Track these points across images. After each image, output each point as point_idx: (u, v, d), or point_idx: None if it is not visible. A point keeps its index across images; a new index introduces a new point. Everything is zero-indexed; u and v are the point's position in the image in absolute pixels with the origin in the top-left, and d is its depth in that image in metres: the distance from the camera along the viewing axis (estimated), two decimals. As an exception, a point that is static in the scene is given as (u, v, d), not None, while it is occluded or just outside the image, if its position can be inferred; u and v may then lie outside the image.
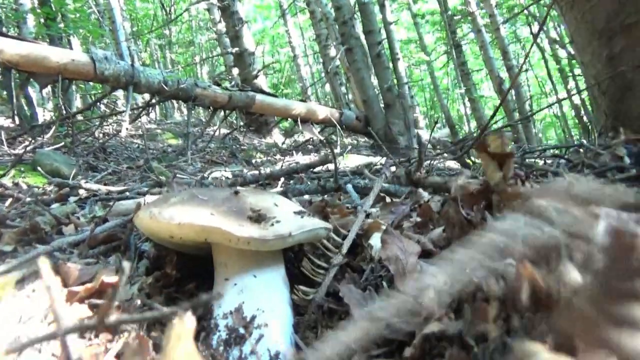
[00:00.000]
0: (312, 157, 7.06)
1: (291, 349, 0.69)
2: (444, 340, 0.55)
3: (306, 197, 1.50)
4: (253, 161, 7.42)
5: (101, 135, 7.92)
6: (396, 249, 0.74)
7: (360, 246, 0.90)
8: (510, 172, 0.79)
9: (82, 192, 2.14)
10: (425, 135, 11.84)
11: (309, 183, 2.05)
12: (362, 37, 9.47)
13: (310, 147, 9.25)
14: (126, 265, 0.67)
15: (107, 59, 5.37)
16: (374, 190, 0.94)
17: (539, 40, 19.83)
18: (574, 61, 15.70)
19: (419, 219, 0.96)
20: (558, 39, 18.81)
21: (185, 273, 0.88)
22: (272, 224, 0.73)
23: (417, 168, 1.30)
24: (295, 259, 0.90)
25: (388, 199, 1.27)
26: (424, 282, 0.64)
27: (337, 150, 8.54)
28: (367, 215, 0.99)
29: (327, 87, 22.14)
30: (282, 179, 2.14)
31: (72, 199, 1.96)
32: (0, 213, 1.29)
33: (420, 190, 1.17)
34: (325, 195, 1.49)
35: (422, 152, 1.33)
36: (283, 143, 9.20)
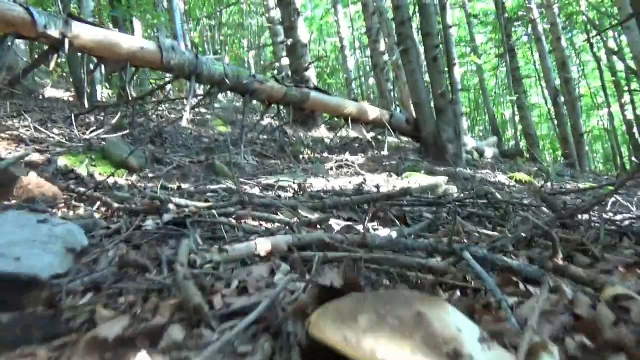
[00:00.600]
0: (380, 175, 7.03)
1: None
2: None
3: (416, 260, 1.47)
4: (300, 157, 7.44)
5: (155, 117, 8.09)
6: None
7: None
8: None
9: (171, 206, 2.17)
10: (471, 142, 11.60)
11: (404, 231, 2.02)
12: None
13: (356, 146, 9.20)
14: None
15: (174, 49, 5.43)
16: (536, 311, 0.90)
17: (595, 49, 19.03)
18: (632, 75, 15.04)
19: (584, 338, 0.91)
20: (617, 49, 18.04)
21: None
22: (469, 363, 0.70)
23: (553, 254, 1.25)
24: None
25: (522, 285, 1.22)
26: None
27: (386, 152, 8.46)
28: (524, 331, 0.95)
29: (371, 80, 21.93)
30: (370, 212, 2.11)
31: (166, 216, 1.99)
32: (138, 261, 1.30)
33: (564, 285, 1.12)
34: (447, 263, 1.45)
35: (555, 239, 1.27)
36: (331, 140, 9.18)
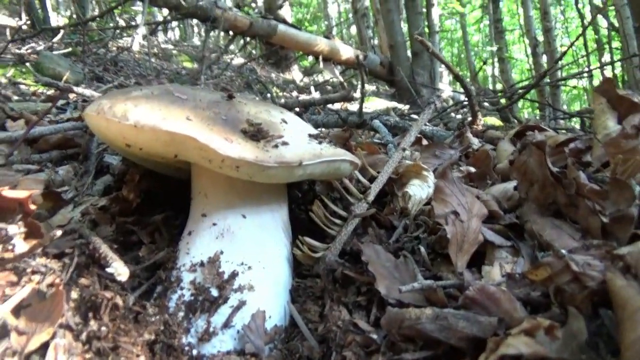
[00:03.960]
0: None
1: (283, 325, 0.49)
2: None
3: (323, 130, 1.27)
4: (268, 95, 7.14)
5: (115, 48, 7.66)
6: (456, 204, 0.52)
7: (391, 195, 0.68)
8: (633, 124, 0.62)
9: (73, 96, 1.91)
10: (447, 90, 11.40)
11: (325, 114, 1.82)
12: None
13: (329, 87, 8.90)
14: (65, 171, 0.47)
15: (124, -37, 4.99)
16: (417, 122, 0.70)
17: (580, 5, 18.74)
18: (614, 32, 14.84)
19: (472, 169, 0.73)
20: (602, 6, 17.72)
21: (156, 199, 0.67)
22: (276, 146, 0.50)
23: (473, 119, 1.08)
24: (302, 200, 0.68)
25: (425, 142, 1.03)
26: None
27: (358, 95, 8.17)
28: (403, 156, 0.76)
29: (353, 30, 21.26)
30: (296, 109, 1.90)
31: (60, 102, 1.74)
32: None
33: (470, 134, 0.94)
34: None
35: (475, 103, 1.10)
36: (301, 80, 8.87)
